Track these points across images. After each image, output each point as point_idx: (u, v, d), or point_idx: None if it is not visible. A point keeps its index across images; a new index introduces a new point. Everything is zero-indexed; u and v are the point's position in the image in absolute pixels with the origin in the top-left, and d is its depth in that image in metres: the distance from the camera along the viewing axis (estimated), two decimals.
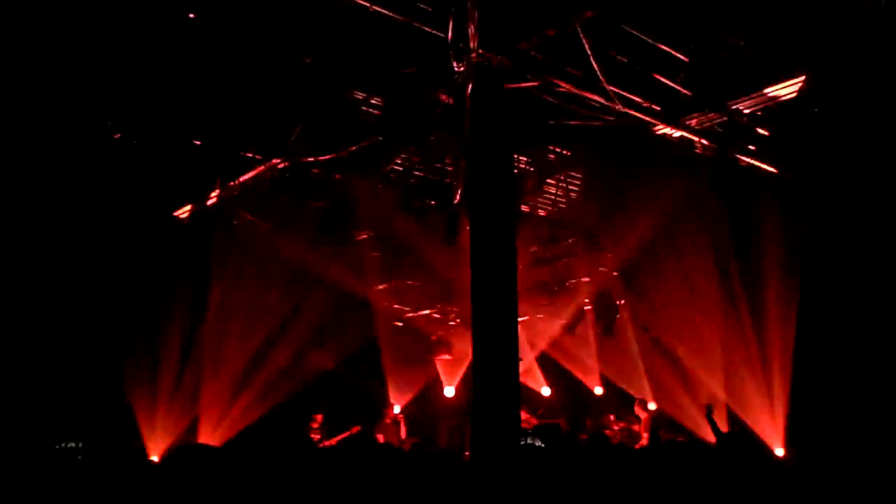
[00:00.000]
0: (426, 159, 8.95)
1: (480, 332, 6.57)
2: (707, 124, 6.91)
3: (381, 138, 7.49)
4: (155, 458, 9.61)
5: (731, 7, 6.47)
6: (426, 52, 6.01)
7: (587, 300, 12.90)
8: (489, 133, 6.82)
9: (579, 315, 13.06)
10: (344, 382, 13.23)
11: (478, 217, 6.78)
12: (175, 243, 9.78)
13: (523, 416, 11.35)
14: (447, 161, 8.73)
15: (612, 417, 12.84)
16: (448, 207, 8.76)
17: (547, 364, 14.07)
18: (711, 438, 9.52)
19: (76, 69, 6.51)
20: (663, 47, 6.69)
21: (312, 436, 11.21)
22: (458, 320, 14.05)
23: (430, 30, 5.68)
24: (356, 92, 6.94)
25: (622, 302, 12.63)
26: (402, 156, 8.63)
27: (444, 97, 6.37)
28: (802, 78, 6.24)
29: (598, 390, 13.82)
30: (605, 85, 6.12)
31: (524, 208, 10.31)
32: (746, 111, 6.89)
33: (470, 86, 5.92)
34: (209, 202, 8.34)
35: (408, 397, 13.63)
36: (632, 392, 12.58)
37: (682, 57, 6.76)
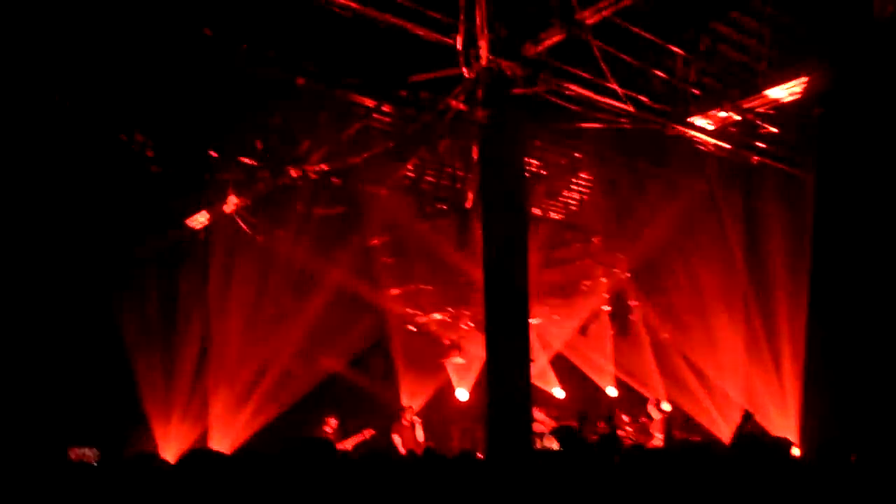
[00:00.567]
0: (438, 165, 8.99)
1: (493, 335, 6.61)
2: (720, 125, 6.90)
3: (392, 145, 7.53)
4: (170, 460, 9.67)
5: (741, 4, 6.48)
6: (436, 58, 6.05)
7: (601, 302, 12.91)
8: (500, 138, 6.87)
9: (593, 316, 13.08)
10: (356, 386, 13.29)
11: (490, 221, 6.82)
12: (189, 251, 9.88)
13: (538, 417, 11.37)
14: (458, 166, 8.76)
15: (625, 418, 12.84)
16: (460, 212, 8.80)
17: (561, 365, 14.07)
18: (726, 439, 9.50)
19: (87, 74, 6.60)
20: (673, 48, 6.72)
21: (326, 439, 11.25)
22: (471, 324, 14.08)
23: (439, 36, 5.72)
24: (367, 99, 6.98)
25: (636, 303, 12.63)
26: (414, 162, 8.67)
27: (454, 103, 6.41)
28: (805, 79, 6.23)
29: (612, 391, 13.80)
30: (616, 87, 6.14)
31: (536, 212, 10.33)
32: (759, 110, 6.87)
33: (480, 91, 5.97)
34: (223, 210, 8.40)
35: (420, 401, 13.65)
36: (646, 392, 12.56)
37: (689, 57, 6.77)
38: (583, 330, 13.37)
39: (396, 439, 11.81)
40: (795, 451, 9.31)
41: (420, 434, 12.01)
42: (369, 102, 7.03)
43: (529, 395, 6.55)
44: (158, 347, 10.32)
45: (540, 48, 5.90)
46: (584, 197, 10.72)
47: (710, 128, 7.12)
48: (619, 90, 6.25)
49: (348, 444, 11.24)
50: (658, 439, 11.26)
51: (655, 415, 11.61)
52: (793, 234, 9.32)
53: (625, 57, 6.28)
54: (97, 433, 8.78)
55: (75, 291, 9.55)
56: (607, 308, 12.87)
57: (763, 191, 9.33)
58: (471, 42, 5.59)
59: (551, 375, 13.91)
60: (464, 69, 5.72)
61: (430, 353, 14.61)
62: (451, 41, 5.66)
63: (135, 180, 8.00)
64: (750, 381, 10.33)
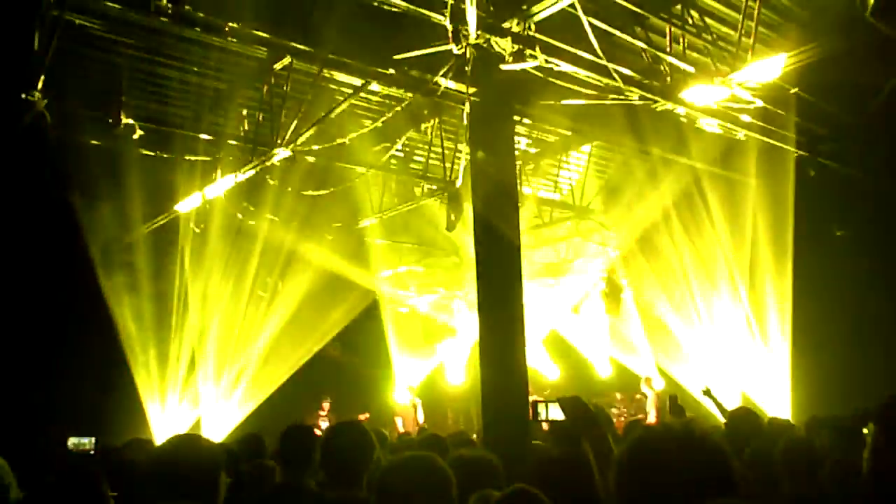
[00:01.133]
0: (426, 144, 8.90)
1: (486, 316, 6.58)
2: (709, 100, 6.82)
3: (381, 124, 7.45)
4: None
5: None
6: (425, 35, 5.96)
7: (593, 280, 12.90)
8: (489, 114, 6.80)
9: (585, 295, 13.09)
10: (350, 369, 13.28)
11: (480, 200, 6.77)
12: (177, 236, 9.80)
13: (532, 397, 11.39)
14: (448, 145, 8.68)
15: (618, 396, 12.89)
16: (450, 191, 8.73)
17: (553, 344, 14.09)
18: (718, 416, 9.51)
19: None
20: (662, 21, 6.64)
21: (320, 423, 11.26)
22: (463, 304, 14.06)
23: (428, 13, 5.63)
24: (354, 78, 6.88)
25: (628, 281, 12.63)
26: (403, 141, 8.59)
27: (444, 80, 6.33)
28: (784, 55, 6.17)
29: (606, 369, 13.83)
30: (605, 62, 6.06)
31: (527, 189, 10.27)
32: (749, 84, 6.81)
33: (469, 68, 5.88)
34: (210, 194, 8.30)
35: (414, 383, 13.66)
36: (638, 371, 12.60)
37: (680, 31, 6.70)
38: (575, 309, 13.38)
39: (398, 420, 11.87)
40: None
41: (421, 415, 12.05)
42: (357, 81, 6.94)
43: (525, 375, 6.54)
44: (151, 334, 10.28)
45: (529, 23, 5.82)
46: (576, 174, 10.68)
47: (699, 104, 7.05)
48: (609, 66, 6.18)
49: None
50: (651, 416, 11.32)
51: (648, 392, 11.67)
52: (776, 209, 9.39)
53: (615, 31, 6.19)
54: (93, 422, 8.76)
55: (67, 280, 9.48)
56: (600, 286, 12.86)
57: (748, 166, 9.36)
58: (459, 18, 5.50)
59: (544, 355, 13.94)
60: (452, 46, 5.63)
61: (424, 334, 14.61)
62: (439, 17, 5.57)
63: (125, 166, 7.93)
64: (742, 357, 10.38)
